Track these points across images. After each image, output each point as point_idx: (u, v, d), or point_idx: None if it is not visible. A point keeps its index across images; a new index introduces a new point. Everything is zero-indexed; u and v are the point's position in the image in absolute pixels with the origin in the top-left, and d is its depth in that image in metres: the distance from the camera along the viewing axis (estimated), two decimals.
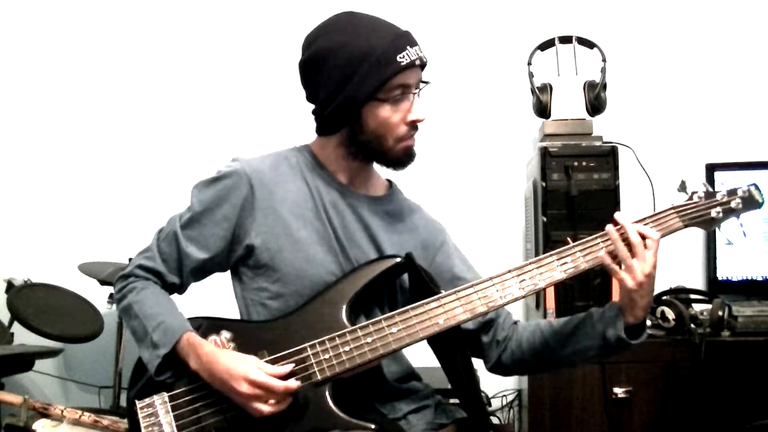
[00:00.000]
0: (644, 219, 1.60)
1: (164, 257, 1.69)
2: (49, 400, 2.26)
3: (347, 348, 1.56)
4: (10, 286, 2.85)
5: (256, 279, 1.68)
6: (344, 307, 1.61)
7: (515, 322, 1.77)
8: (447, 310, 1.57)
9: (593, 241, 1.59)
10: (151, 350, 1.59)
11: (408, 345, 1.58)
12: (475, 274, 1.77)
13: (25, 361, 2.68)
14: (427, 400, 1.75)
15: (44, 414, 2.09)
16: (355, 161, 1.70)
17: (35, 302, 2.79)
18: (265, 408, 1.50)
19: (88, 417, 2.05)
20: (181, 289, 1.73)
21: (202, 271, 1.71)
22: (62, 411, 2.06)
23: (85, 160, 3.19)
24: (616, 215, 1.58)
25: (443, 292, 1.59)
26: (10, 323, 2.79)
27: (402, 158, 1.67)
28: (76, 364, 3.16)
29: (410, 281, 1.68)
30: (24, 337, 2.81)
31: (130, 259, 1.74)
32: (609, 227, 1.57)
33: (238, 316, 1.73)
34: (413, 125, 1.65)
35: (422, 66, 1.66)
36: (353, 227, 1.69)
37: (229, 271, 1.74)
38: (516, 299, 1.58)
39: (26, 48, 3.22)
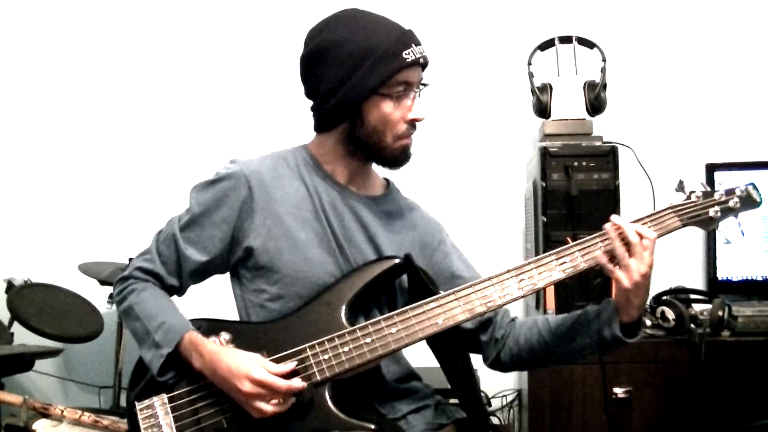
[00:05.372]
0: (642, 218, 1.60)
1: (163, 259, 1.69)
2: (49, 400, 2.27)
3: (346, 349, 1.56)
4: (10, 286, 2.85)
5: (255, 281, 1.68)
6: (343, 308, 1.61)
7: (513, 319, 1.77)
8: (446, 311, 1.57)
9: (592, 241, 1.59)
10: (154, 350, 1.59)
11: (407, 345, 1.59)
12: (473, 272, 1.78)
13: (25, 361, 2.68)
14: (426, 400, 1.75)
15: (44, 414, 2.09)
16: (353, 160, 1.71)
17: (35, 302, 2.79)
18: (267, 407, 1.50)
19: (88, 417, 2.05)
20: (180, 291, 1.73)
21: (201, 273, 1.71)
22: (62, 411, 2.06)
23: (85, 161, 3.19)
24: (613, 217, 1.58)
25: (442, 293, 1.59)
26: (10, 323, 2.79)
27: (399, 156, 1.68)
28: (76, 364, 3.16)
29: (409, 282, 1.68)
30: (24, 337, 2.81)
31: (130, 260, 1.74)
32: (607, 226, 1.57)
33: (236, 318, 1.73)
34: (412, 124, 1.66)
35: (424, 66, 1.67)
36: (352, 228, 1.70)
37: (228, 273, 1.74)
38: (515, 299, 1.58)
39: (26, 49, 3.22)
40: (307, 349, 1.56)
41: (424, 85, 1.68)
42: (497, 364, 1.77)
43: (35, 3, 3.23)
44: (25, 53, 3.22)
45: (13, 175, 3.21)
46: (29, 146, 3.21)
